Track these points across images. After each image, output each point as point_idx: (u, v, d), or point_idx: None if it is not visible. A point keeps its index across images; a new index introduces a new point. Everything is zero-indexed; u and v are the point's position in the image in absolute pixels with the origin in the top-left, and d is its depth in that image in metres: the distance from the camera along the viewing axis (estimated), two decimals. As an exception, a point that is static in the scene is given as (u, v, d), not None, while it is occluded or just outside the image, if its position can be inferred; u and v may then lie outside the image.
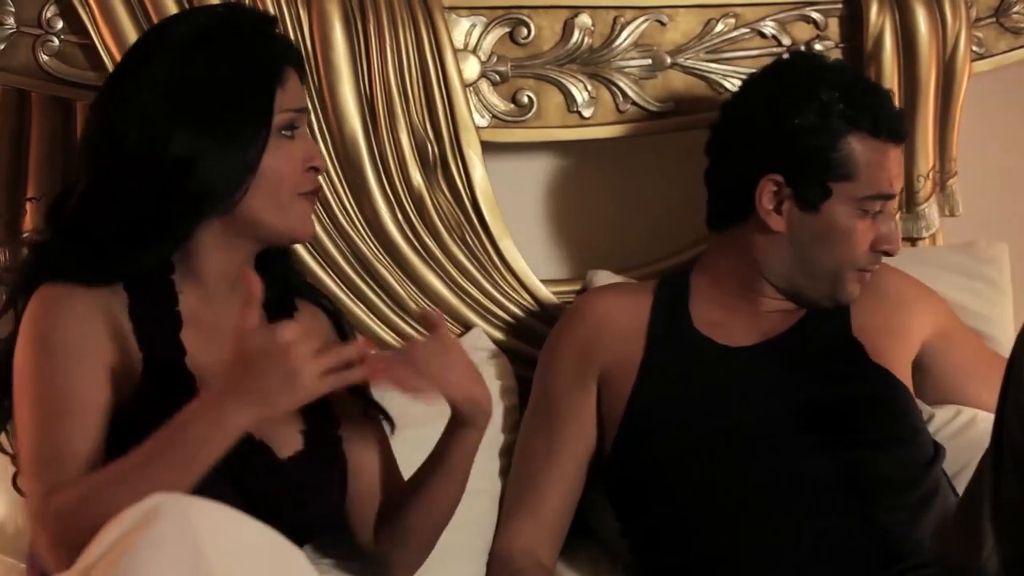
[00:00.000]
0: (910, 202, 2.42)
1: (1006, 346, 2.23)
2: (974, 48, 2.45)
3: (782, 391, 2.02)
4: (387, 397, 1.92)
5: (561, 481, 2.07)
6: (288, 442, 1.81)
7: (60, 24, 2.21)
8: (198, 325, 1.81)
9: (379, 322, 2.28)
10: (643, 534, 2.03)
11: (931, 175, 2.42)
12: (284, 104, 1.80)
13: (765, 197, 2.06)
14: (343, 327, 1.97)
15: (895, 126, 2.08)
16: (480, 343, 2.27)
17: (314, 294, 1.99)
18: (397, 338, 2.26)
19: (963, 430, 2.16)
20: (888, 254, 2.08)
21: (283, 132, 1.80)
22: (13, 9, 2.19)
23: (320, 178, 1.89)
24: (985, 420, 2.13)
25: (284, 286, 1.92)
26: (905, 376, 2.09)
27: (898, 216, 2.40)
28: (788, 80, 2.10)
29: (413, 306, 2.27)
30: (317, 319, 1.95)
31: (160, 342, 1.78)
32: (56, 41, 2.22)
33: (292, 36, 2.20)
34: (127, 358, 1.76)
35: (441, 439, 1.86)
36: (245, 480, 1.73)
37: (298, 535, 1.77)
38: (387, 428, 1.95)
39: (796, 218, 2.06)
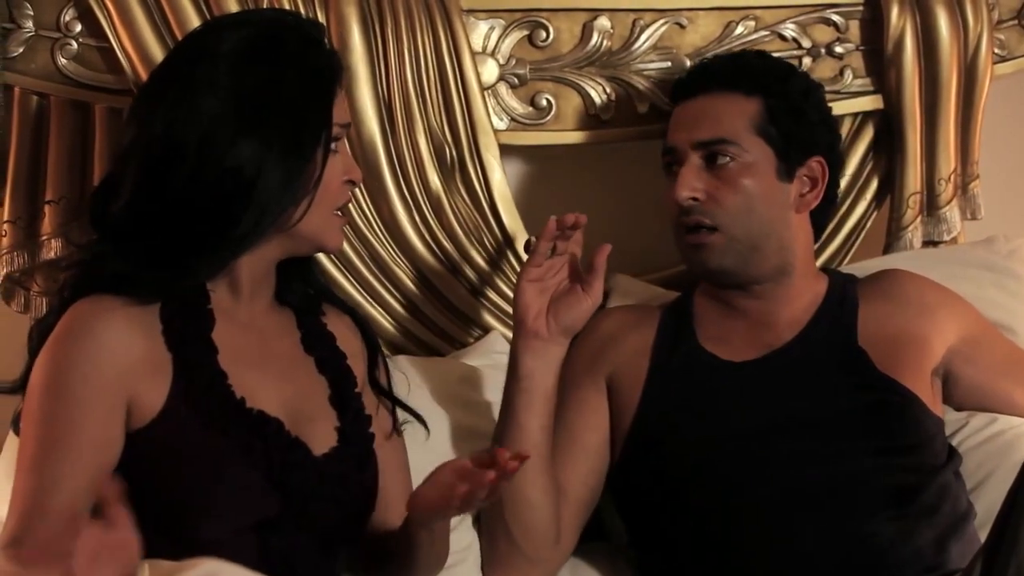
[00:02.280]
0: (931, 205, 2.41)
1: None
2: (996, 50, 2.43)
3: (786, 402, 2.01)
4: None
5: (573, 473, 2.05)
6: (323, 439, 1.81)
7: (79, 27, 2.22)
8: (228, 321, 1.80)
9: (395, 324, 2.28)
10: (651, 544, 2.02)
11: (952, 178, 2.40)
12: (335, 118, 1.80)
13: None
14: (369, 335, 1.97)
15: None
16: (498, 346, 2.26)
17: (340, 300, 1.99)
18: (411, 343, 2.27)
19: (993, 438, 2.13)
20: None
21: (331, 147, 1.80)
22: (32, 13, 2.21)
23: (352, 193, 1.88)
24: (1016, 428, 2.12)
25: (309, 289, 1.92)
26: (919, 384, 2.05)
27: (918, 220, 2.39)
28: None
29: (430, 309, 2.26)
30: (346, 325, 1.94)
31: (191, 342, 1.76)
32: (75, 44, 2.22)
33: (310, 39, 2.19)
34: (154, 370, 1.74)
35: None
36: (281, 475, 1.74)
37: (332, 536, 1.79)
38: (423, 431, 1.98)
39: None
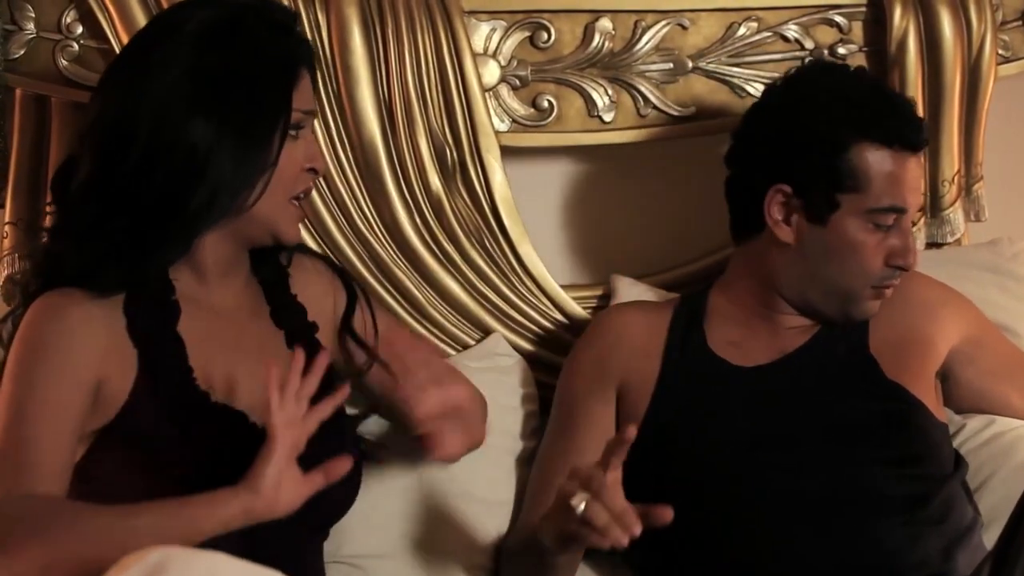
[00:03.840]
0: (935, 207, 2.39)
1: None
2: (1000, 51, 2.41)
3: (795, 409, 2.00)
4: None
5: None
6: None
7: (80, 29, 2.22)
8: (194, 309, 1.80)
9: (396, 326, 2.28)
10: (654, 548, 2.01)
11: (956, 180, 2.39)
12: (296, 104, 1.79)
13: (774, 208, 2.04)
14: (347, 281, 1.98)
15: (910, 136, 2.03)
16: (500, 348, 2.26)
17: (298, 248, 1.96)
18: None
19: (991, 440, 2.13)
20: (903, 269, 2.03)
21: (290, 132, 1.79)
22: (33, 14, 2.20)
23: (315, 181, 1.88)
24: (1015, 430, 2.11)
25: (280, 261, 1.92)
26: (926, 390, 2.04)
27: (922, 222, 2.38)
28: (799, 89, 2.08)
29: (431, 311, 2.26)
30: (316, 270, 1.96)
31: (155, 335, 1.77)
32: (76, 46, 2.22)
33: (311, 40, 2.19)
34: (119, 361, 1.75)
35: None
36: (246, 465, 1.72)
37: (313, 523, 1.79)
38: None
39: (805, 230, 2.03)
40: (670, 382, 2.05)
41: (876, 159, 2.00)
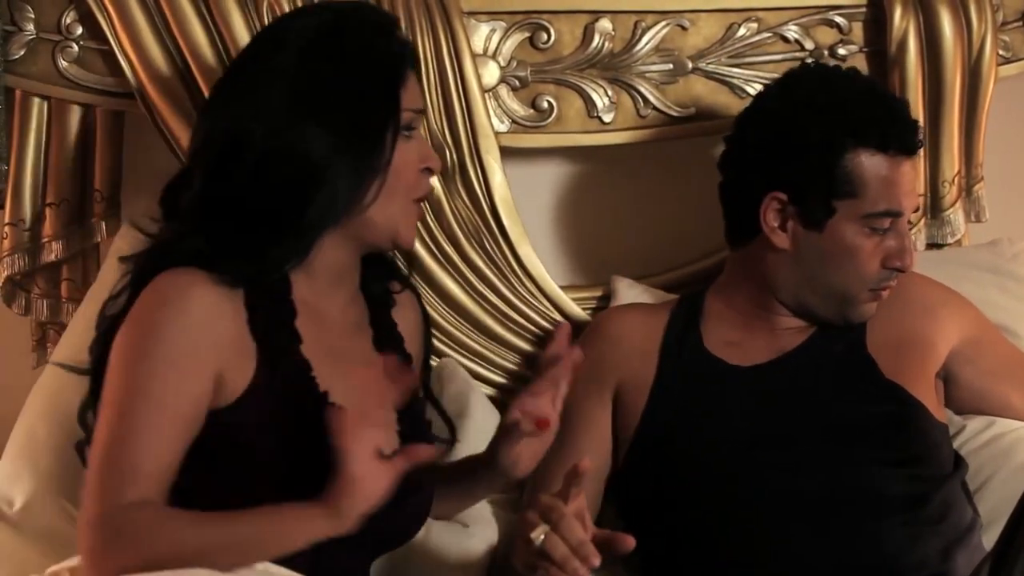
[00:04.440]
0: (935, 208, 2.39)
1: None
2: (1001, 52, 2.40)
3: (792, 409, 2.00)
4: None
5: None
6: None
7: (79, 30, 2.22)
8: (306, 312, 1.80)
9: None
10: (654, 550, 2.01)
11: (956, 180, 2.38)
12: (406, 103, 1.80)
13: (769, 214, 2.04)
14: (429, 334, 2.02)
15: (905, 139, 2.03)
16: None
17: (408, 282, 1.99)
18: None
19: (992, 442, 2.12)
20: (900, 270, 2.03)
21: (403, 132, 1.80)
22: (33, 15, 2.21)
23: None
24: (1015, 432, 2.11)
25: (386, 285, 1.94)
26: (926, 390, 2.04)
27: (922, 223, 2.37)
28: (793, 94, 2.07)
29: (430, 311, 2.26)
30: (413, 307, 1.98)
31: (275, 331, 1.77)
32: (75, 47, 2.23)
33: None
34: (240, 353, 1.73)
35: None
36: None
37: (391, 536, 1.81)
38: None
39: (801, 236, 2.03)
40: (667, 382, 2.05)
41: (871, 164, 2.00)
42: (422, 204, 1.89)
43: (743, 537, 1.93)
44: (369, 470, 1.63)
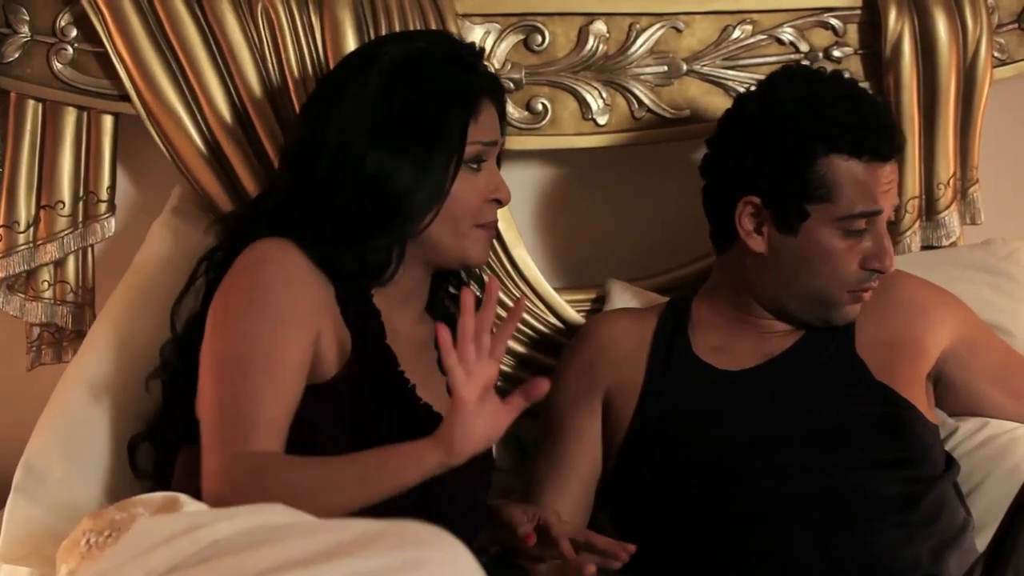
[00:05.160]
0: (930, 210, 2.38)
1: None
2: (996, 54, 2.40)
3: (782, 413, 2.00)
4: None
5: (567, 500, 2.04)
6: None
7: (74, 32, 2.23)
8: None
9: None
10: (645, 554, 2.00)
11: (952, 183, 2.38)
12: (474, 136, 1.88)
13: (744, 218, 2.03)
14: None
15: (881, 147, 2.01)
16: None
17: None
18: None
19: (985, 444, 2.12)
20: (879, 271, 2.03)
21: (470, 164, 1.88)
22: (27, 18, 2.21)
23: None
24: (1009, 433, 2.11)
25: (452, 307, 1.99)
26: (916, 392, 2.04)
27: (916, 225, 2.37)
28: (769, 98, 2.06)
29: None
30: None
31: (365, 322, 1.84)
32: (70, 50, 2.23)
33: (303, 44, 2.20)
34: (336, 332, 1.82)
35: None
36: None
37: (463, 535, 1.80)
38: None
39: (777, 240, 2.03)
40: (656, 388, 2.05)
41: (845, 169, 1.99)
42: (492, 228, 1.95)
43: (734, 541, 1.93)
44: (481, 399, 1.67)
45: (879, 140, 2.02)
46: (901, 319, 2.08)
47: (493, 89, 1.95)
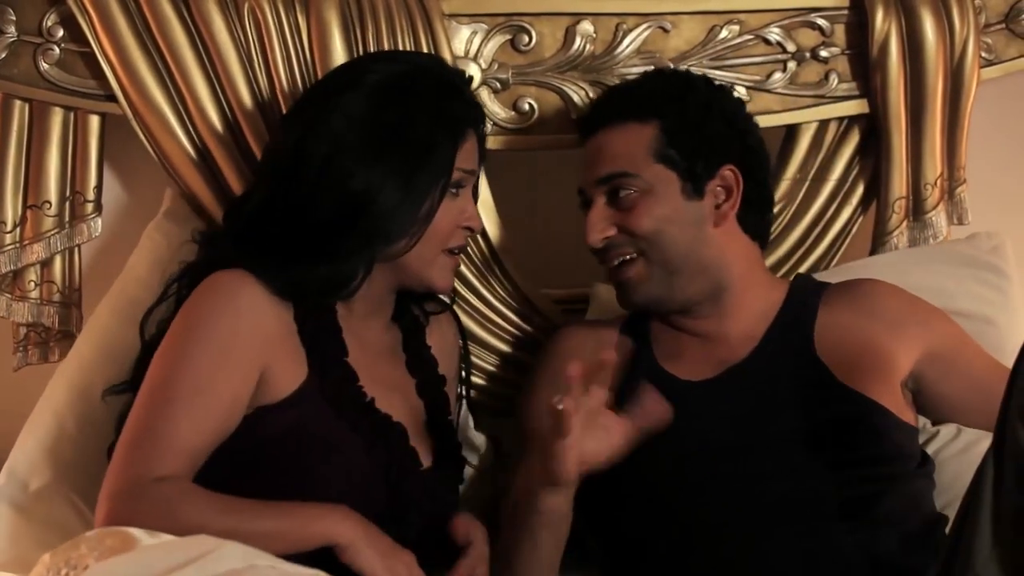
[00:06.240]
0: (917, 210, 2.38)
1: (1009, 332, 2.21)
2: (983, 54, 2.40)
3: (743, 420, 1.98)
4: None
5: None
6: (423, 456, 1.89)
7: (61, 32, 2.23)
8: (346, 335, 1.88)
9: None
10: (616, 559, 2.01)
11: (939, 183, 2.38)
12: (459, 163, 1.89)
13: None
14: (467, 356, 2.12)
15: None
16: None
17: (444, 304, 2.08)
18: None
19: (968, 449, 2.08)
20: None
21: (450, 190, 1.88)
22: (14, 18, 2.22)
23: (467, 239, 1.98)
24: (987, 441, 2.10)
25: (418, 314, 2.02)
26: (886, 394, 2.01)
27: (904, 225, 2.37)
28: None
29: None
30: (451, 329, 2.07)
31: (324, 340, 1.84)
32: (57, 50, 2.23)
33: (290, 44, 2.20)
34: (289, 354, 1.81)
35: None
36: (397, 477, 1.82)
37: (416, 552, 1.80)
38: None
39: None
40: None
41: None
42: (458, 256, 1.97)
43: (703, 547, 1.92)
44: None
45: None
46: (868, 328, 2.05)
47: (478, 119, 1.97)
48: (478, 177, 2.01)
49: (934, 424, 2.13)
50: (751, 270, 2.10)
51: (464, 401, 2.11)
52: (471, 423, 2.18)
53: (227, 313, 1.78)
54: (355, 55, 2.21)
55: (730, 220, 2.07)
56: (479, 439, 2.17)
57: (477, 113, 1.98)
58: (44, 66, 2.23)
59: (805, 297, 2.10)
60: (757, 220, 2.11)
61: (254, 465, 1.75)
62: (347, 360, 1.86)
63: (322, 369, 1.82)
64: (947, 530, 1.97)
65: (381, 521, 1.76)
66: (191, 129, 2.22)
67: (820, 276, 2.22)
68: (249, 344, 1.77)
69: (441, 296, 2.05)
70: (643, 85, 2.15)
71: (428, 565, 1.82)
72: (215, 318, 1.78)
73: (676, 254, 2.03)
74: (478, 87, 2.28)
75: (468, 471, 2.11)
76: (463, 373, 2.10)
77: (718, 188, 2.06)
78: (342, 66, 2.07)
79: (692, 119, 2.05)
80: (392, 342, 1.97)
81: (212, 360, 1.75)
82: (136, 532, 1.54)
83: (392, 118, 1.87)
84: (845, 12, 2.37)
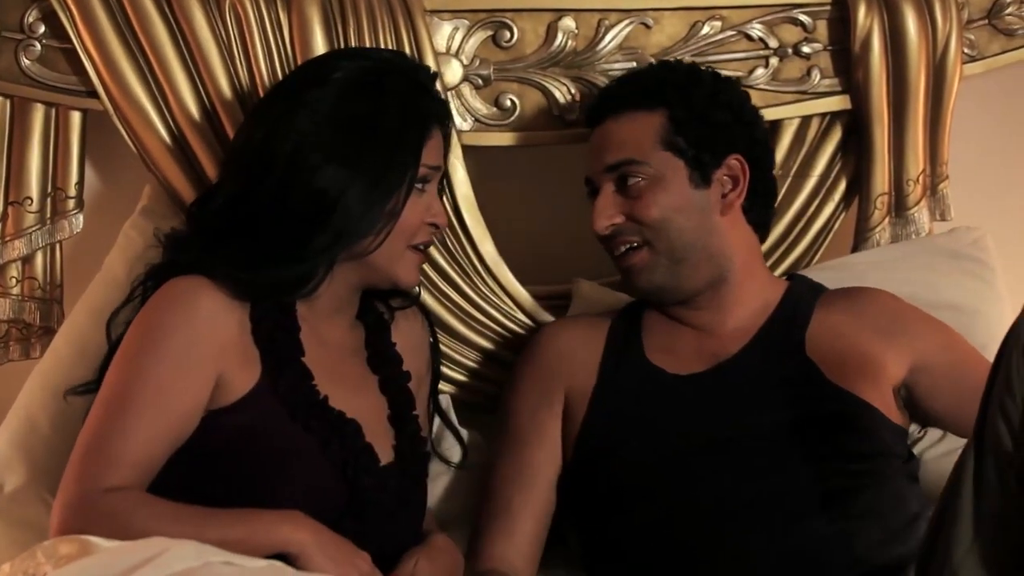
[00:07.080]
0: (900, 206, 2.38)
1: (996, 321, 2.21)
2: (966, 50, 2.39)
3: (730, 416, 1.99)
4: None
5: (534, 504, 2.05)
6: (382, 454, 1.87)
7: (42, 29, 2.23)
8: (308, 334, 1.88)
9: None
10: (600, 554, 2.01)
11: (921, 179, 2.38)
12: (425, 159, 1.88)
13: None
14: (437, 354, 2.11)
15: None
16: None
17: (411, 299, 2.06)
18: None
19: (950, 452, 2.08)
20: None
21: (416, 185, 1.88)
22: (-5, 14, 2.21)
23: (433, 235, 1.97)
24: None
25: (382, 311, 2.01)
26: (876, 395, 2.01)
27: (886, 221, 2.37)
28: None
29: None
30: (420, 325, 2.06)
31: (279, 340, 1.84)
32: (38, 46, 2.23)
33: (271, 41, 2.20)
34: (243, 358, 1.81)
35: None
36: (353, 475, 1.81)
37: (379, 550, 1.81)
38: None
39: None
40: (606, 394, 2.05)
41: None
42: (424, 252, 1.96)
43: (684, 543, 1.93)
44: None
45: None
46: (860, 333, 2.06)
47: (444, 115, 1.96)
48: (444, 174, 2.00)
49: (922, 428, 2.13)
50: (752, 261, 2.12)
51: (438, 395, 2.11)
52: (454, 418, 2.18)
53: (183, 324, 1.78)
54: (336, 51, 2.21)
55: (735, 210, 2.08)
56: (463, 434, 2.17)
57: (443, 109, 1.97)
58: (25, 62, 2.23)
59: (802, 297, 2.11)
60: (761, 211, 2.13)
61: (209, 469, 1.75)
62: (302, 359, 1.85)
63: (276, 369, 1.82)
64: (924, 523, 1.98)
65: (341, 519, 1.76)
66: (172, 124, 2.22)
67: (808, 272, 2.23)
68: (205, 354, 1.77)
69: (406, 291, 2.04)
70: (650, 75, 2.16)
71: (391, 561, 1.83)
72: (171, 328, 1.78)
73: (682, 242, 2.05)
74: (460, 83, 2.29)
75: (450, 469, 2.12)
76: (435, 367, 2.09)
77: (725, 177, 2.08)
78: (308, 62, 2.06)
79: (698, 108, 2.07)
80: (356, 340, 1.97)
81: (168, 371, 1.75)
82: (92, 538, 1.54)
83: (359, 114, 1.87)
84: (827, 8, 2.37)
